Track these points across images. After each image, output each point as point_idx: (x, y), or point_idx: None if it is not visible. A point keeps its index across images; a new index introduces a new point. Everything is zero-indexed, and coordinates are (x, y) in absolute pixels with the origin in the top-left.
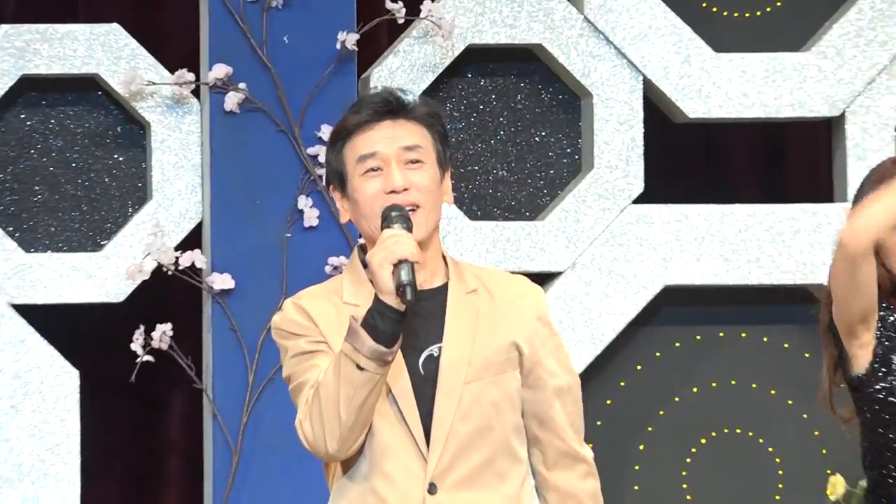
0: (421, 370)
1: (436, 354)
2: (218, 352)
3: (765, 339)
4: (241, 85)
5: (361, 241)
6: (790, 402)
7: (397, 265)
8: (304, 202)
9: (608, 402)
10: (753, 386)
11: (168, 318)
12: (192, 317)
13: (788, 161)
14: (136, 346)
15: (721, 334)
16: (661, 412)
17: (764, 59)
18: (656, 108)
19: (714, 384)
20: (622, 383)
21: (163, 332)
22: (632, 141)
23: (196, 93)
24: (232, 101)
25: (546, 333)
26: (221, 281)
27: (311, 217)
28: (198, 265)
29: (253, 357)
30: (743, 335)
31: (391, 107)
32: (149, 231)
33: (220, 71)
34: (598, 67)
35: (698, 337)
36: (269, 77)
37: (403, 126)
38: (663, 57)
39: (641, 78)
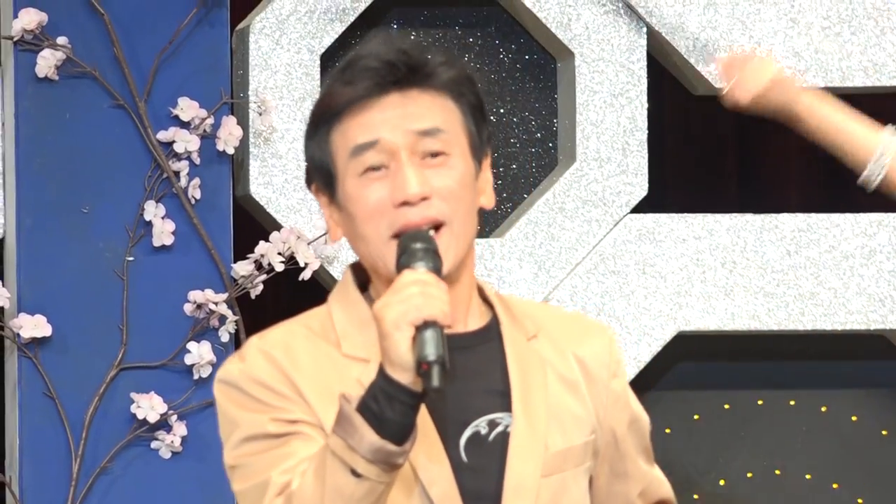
0: (463, 456)
1: (484, 431)
2: (28, 429)
3: (823, 409)
4: (62, 39)
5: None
6: (860, 500)
7: (422, 328)
8: (153, 210)
9: None
10: (807, 477)
11: None
12: None
13: None
14: None
15: (760, 402)
16: None
17: (826, 3)
18: (667, 75)
19: (749, 474)
20: None
21: None
22: (631, 122)
23: None
24: (47, 62)
25: (625, 400)
26: (32, 326)
27: (164, 233)
28: None
29: (79, 437)
30: (791, 402)
31: (399, 72)
32: None
33: (30, 19)
34: (582, 15)
35: (727, 405)
36: (103, 27)
37: (418, 100)
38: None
39: (645, 30)
